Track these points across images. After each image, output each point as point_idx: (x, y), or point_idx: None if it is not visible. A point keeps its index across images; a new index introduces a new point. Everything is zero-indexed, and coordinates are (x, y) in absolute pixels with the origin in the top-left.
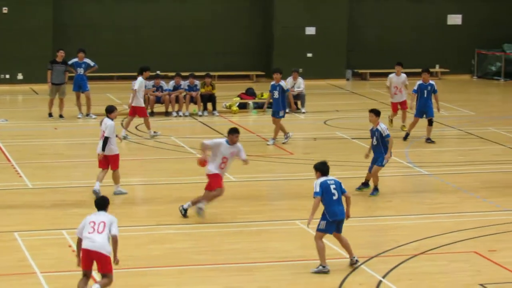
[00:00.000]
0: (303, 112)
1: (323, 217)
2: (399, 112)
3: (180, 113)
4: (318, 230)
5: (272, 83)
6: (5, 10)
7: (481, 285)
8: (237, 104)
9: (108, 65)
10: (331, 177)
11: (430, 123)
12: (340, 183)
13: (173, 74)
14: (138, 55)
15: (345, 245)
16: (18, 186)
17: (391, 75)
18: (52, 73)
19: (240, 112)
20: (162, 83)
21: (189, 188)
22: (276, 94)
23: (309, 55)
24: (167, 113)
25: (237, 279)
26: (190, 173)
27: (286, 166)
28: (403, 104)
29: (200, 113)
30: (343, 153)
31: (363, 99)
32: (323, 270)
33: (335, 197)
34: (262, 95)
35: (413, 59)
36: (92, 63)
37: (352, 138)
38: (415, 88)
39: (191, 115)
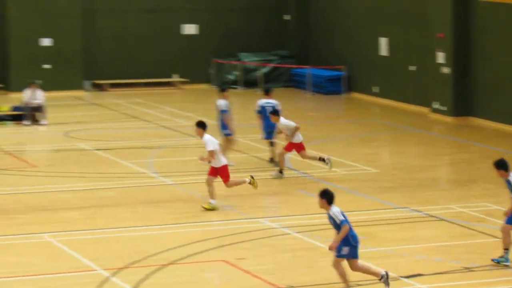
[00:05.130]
0: (43, 124)
1: (347, 243)
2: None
3: None
4: (340, 256)
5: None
6: None
7: None
8: None
9: None
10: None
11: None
12: None
13: None
14: None
15: (362, 270)
16: None
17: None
18: None
19: None
20: None
21: None
22: None
23: (46, 66)
24: None
25: None
26: None
27: (29, 179)
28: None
29: None
30: (86, 165)
31: (104, 110)
32: None
33: (350, 224)
34: None
35: (152, 68)
36: None
37: (95, 150)
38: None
39: None
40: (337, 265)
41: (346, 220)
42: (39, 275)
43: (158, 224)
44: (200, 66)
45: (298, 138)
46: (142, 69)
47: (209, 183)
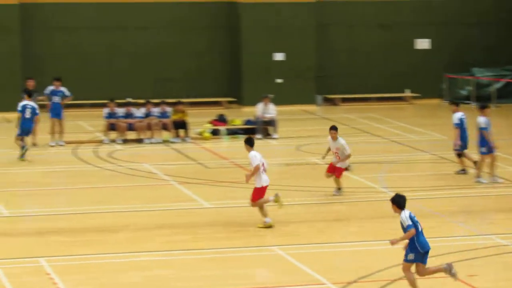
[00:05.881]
0: (275, 138)
1: (413, 249)
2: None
3: (153, 140)
4: (407, 261)
5: None
6: None
7: None
8: (209, 131)
9: (78, 93)
10: (407, 210)
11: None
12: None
13: (143, 101)
14: (108, 83)
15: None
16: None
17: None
18: None
19: (213, 139)
20: (133, 110)
21: (165, 214)
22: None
23: (279, 80)
24: (139, 140)
25: None
26: (164, 200)
27: None
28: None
29: (172, 140)
30: (316, 179)
31: (335, 124)
32: None
33: (420, 229)
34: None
35: (384, 83)
36: (68, 93)
37: (326, 164)
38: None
39: (164, 142)
40: (405, 270)
41: (412, 225)
42: (267, 287)
43: (384, 239)
44: (432, 81)
45: None
46: (373, 84)
47: (256, 205)
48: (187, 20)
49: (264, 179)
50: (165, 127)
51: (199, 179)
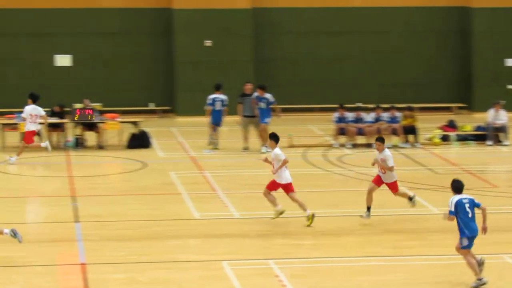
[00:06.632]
0: (506, 145)
1: (463, 234)
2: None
3: None
4: (463, 247)
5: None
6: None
7: None
8: (439, 136)
9: (308, 97)
10: (465, 195)
11: None
12: (473, 200)
13: (373, 106)
14: (338, 87)
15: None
16: (225, 216)
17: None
18: (242, 106)
19: (442, 144)
20: (363, 114)
21: (394, 219)
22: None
23: (510, 87)
24: (368, 145)
25: None
26: (393, 205)
27: (489, 199)
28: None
29: (401, 145)
30: None
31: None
32: (480, 283)
33: (469, 215)
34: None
35: None
36: (272, 100)
37: None
38: None
39: (393, 147)
40: (464, 255)
41: (453, 212)
42: None
43: None
44: None
45: None
46: None
47: (266, 195)
48: (417, 25)
49: (286, 176)
50: (394, 132)
51: (428, 185)
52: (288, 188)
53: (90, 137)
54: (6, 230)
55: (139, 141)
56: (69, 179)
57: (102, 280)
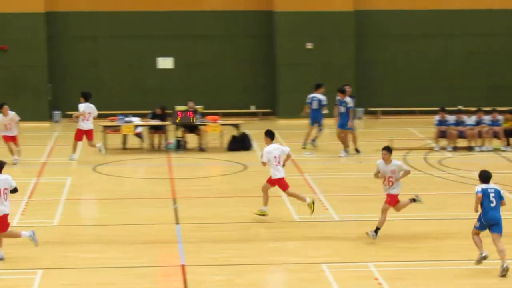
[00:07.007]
0: None
1: (479, 219)
2: None
3: (483, 148)
4: (475, 227)
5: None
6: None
7: None
8: None
9: (408, 100)
10: (492, 185)
11: None
12: (499, 191)
13: (475, 109)
14: (440, 90)
15: (499, 251)
16: (324, 219)
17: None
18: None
19: None
20: (464, 117)
21: None
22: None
23: None
24: (469, 148)
25: None
26: None
27: None
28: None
29: (503, 148)
30: None
31: None
32: (481, 256)
33: (492, 205)
34: None
35: None
36: (351, 104)
37: None
38: None
39: (494, 150)
40: (472, 234)
41: (479, 191)
42: None
43: None
44: None
45: None
46: None
47: (264, 190)
48: None
49: (279, 172)
50: (496, 135)
51: None
52: (281, 183)
53: (191, 139)
54: (25, 233)
55: (240, 143)
56: (170, 181)
57: (200, 282)
